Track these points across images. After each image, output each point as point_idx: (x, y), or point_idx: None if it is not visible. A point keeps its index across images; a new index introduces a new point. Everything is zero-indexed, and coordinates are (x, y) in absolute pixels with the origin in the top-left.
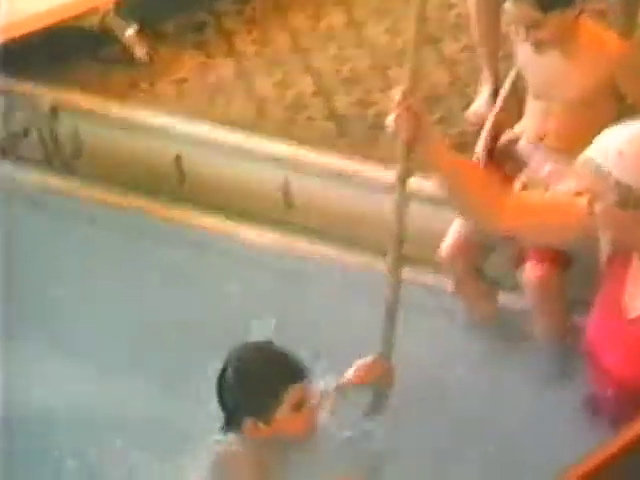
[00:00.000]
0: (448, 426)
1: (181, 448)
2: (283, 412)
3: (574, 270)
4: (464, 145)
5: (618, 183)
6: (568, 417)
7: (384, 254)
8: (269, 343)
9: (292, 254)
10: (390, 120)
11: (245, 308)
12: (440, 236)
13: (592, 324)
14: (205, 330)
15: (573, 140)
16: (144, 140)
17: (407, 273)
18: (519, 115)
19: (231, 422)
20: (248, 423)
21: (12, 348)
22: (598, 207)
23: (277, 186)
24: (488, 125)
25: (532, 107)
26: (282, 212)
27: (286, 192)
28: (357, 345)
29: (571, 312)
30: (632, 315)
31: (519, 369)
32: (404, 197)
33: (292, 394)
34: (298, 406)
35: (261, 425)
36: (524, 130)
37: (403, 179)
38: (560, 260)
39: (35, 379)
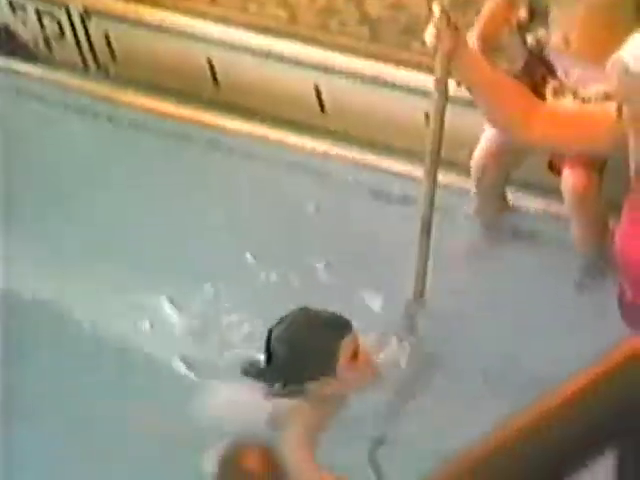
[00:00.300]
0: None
1: None
2: (343, 365)
3: (608, 176)
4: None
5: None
6: (602, 323)
7: (417, 159)
8: (305, 309)
9: (325, 158)
10: (430, 34)
11: (277, 212)
12: (474, 140)
13: (621, 231)
14: (236, 231)
15: (599, 45)
16: (177, 44)
17: (442, 178)
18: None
19: (290, 389)
20: (316, 384)
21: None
22: (626, 110)
23: (310, 91)
24: (484, 11)
25: (556, 13)
26: (315, 117)
27: (319, 97)
28: (388, 254)
29: (609, 217)
30: None
31: (553, 274)
32: (442, 106)
33: (345, 347)
34: (354, 355)
35: (330, 381)
36: (550, 36)
37: (443, 90)
38: (596, 165)
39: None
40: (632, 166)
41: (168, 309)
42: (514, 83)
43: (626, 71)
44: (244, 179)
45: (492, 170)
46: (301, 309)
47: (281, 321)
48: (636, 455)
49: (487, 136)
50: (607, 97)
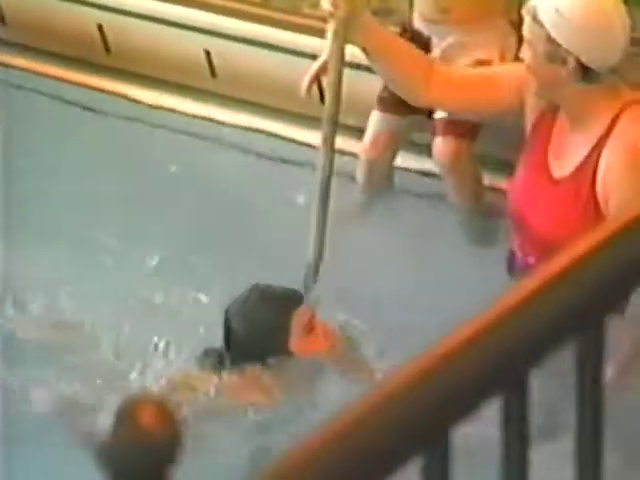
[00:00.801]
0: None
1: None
2: (296, 338)
3: (497, 133)
4: None
5: (549, 37)
6: (491, 279)
7: (311, 124)
8: (258, 286)
9: (216, 123)
10: (325, 0)
11: (183, 182)
12: (369, 102)
13: (516, 187)
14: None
15: (478, 8)
16: (68, 9)
17: (339, 143)
18: None
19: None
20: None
21: None
22: (529, 55)
23: (200, 55)
24: None
25: None
26: (206, 81)
27: (209, 61)
28: (286, 220)
29: (482, 180)
30: (557, 175)
31: (441, 235)
32: (339, 70)
33: (297, 320)
34: (310, 327)
35: (285, 356)
36: (419, 10)
37: (339, 54)
38: (468, 132)
39: None
40: (528, 122)
41: None
42: (411, 47)
43: (534, 17)
44: (128, 144)
45: (382, 154)
46: (254, 286)
47: (235, 300)
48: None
49: (374, 121)
50: (481, 64)
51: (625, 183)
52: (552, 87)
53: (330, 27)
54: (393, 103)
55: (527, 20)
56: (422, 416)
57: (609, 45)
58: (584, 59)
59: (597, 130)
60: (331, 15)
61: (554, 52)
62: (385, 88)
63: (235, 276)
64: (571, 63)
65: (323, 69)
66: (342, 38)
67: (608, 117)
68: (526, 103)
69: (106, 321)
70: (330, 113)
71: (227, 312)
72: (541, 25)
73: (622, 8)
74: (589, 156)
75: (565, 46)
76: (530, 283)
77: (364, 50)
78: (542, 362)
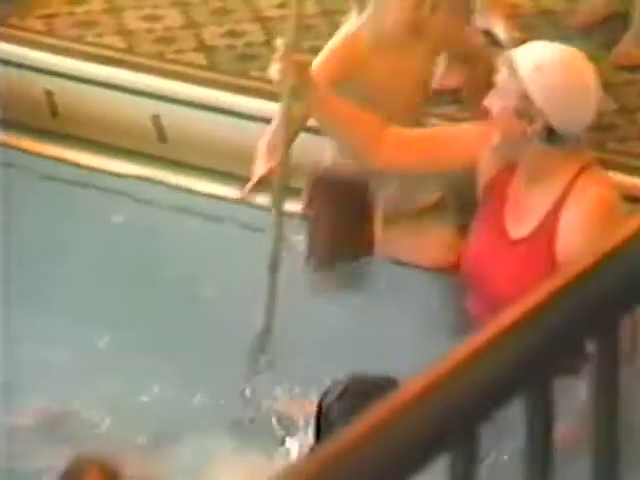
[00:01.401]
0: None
1: None
2: None
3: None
4: None
5: (524, 93)
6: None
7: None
8: (350, 378)
9: (166, 188)
10: (274, 70)
11: (128, 240)
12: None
13: (472, 247)
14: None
15: None
16: (14, 74)
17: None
18: None
19: None
20: None
21: None
22: (498, 106)
23: (149, 120)
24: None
25: None
26: (155, 146)
27: (158, 126)
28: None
29: None
30: (514, 236)
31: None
32: (289, 139)
33: None
34: None
35: None
36: None
37: (286, 121)
38: None
39: None
40: (481, 184)
41: None
42: (362, 112)
43: (512, 69)
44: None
45: None
46: (350, 376)
47: (330, 391)
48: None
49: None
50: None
51: (584, 243)
52: (514, 143)
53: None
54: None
55: (503, 71)
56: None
57: (581, 111)
58: (553, 122)
59: (556, 190)
60: (279, 84)
61: (525, 109)
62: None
63: (184, 346)
64: (538, 123)
65: (264, 180)
66: (288, 106)
67: (567, 178)
68: (479, 164)
69: None
70: (279, 178)
71: (323, 404)
72: (518, 79)
73: (596, 79)
74: (547, 217)
75: (538, 106)
76: (479, 338)
77: (314, 117)
78: (491, 417)
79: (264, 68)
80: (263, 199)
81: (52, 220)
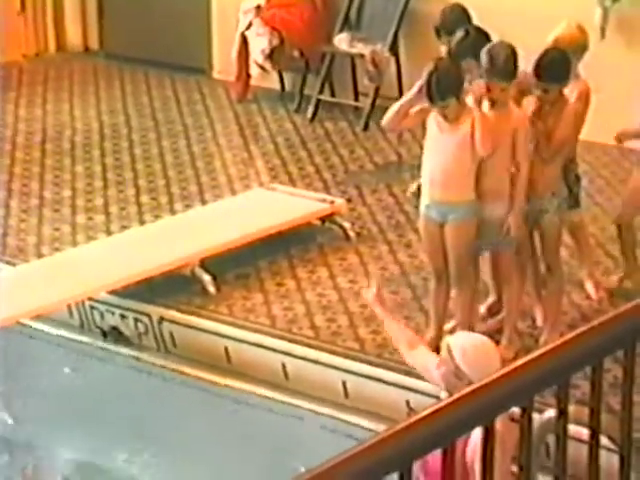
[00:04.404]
0: None
1: None
2: None
3: None
4: None
5: (457, 367)
6: None
7: None
8: None
9: None
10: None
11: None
12: None
13: None
14: None
15: None
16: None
17: None
18: None
19: None
20: None
21: None
22: (442, 369)
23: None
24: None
25: None
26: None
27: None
28: None
29: None
30: None
31: None
32: None
33: None
34: None
35: None
36: None
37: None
38: None
39: None
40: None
41: None
42: (405, 331)
43: (449, 351)
44: None
45: None
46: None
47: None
48: None
49: None
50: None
51: None
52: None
53: None
54: None
55: (443, 349)
56: None
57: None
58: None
59: None
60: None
61: (461, 374)
62: None
63: None
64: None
65: None
66: None
67: None
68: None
69: None
70: None
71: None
72: (453, 357)
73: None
74: None
75: (468, 373)
76: None
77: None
78: None
79: None
80: None
81: None
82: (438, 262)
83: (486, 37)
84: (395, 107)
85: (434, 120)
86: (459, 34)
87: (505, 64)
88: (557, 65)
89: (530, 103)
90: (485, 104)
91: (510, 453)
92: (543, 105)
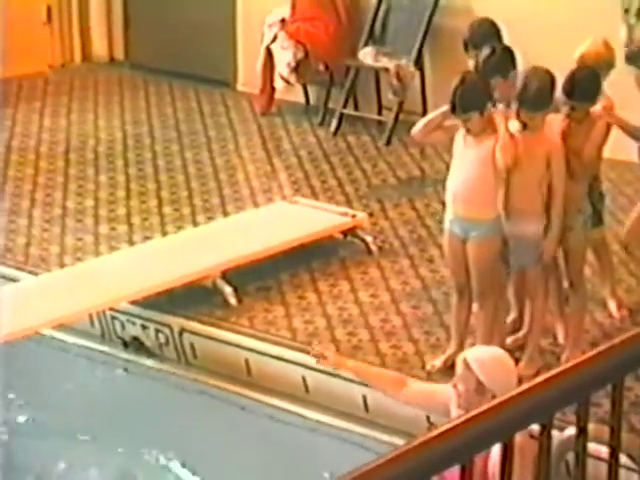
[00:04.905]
0: None
1: None
2: None
3: None
4: None
5: (478, 381)
6: None
7: None
8: None
9: None
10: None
11: None
12: None
13: None
14: None
15: None
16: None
17: None
18: None
19: None
20: None
21: None
22: (462, 387)
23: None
24: None
25: None
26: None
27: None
28: None
29: None
30: None
31: None
32: None
33: None
34: None
35: None
36: None
37: None
38: None
39: None
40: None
41: None
42: (384, 372)
43: (467, 366)
44: None
45: None
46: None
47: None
48: None
49: None
50: None
51: None
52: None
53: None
54: None
55: (461, 366)
56: None
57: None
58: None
59: None
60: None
61: (481, 389)
62: None
63: None
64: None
65: None
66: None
67: None
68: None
69: None
70: None
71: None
72: (473, 372)
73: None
74: None
75: (488, 385)
76: None
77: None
78: None
79: None
80: None
81: None
82: (460, 277)
83: (511, 55)
84: (426, 119)
85: (461, 136)
86: (485, 52)
87: (537, 94)
88: (588, 83)
89: (557, 121)
90: (514, 124)
91: (529, 469)
92: (571, 123)
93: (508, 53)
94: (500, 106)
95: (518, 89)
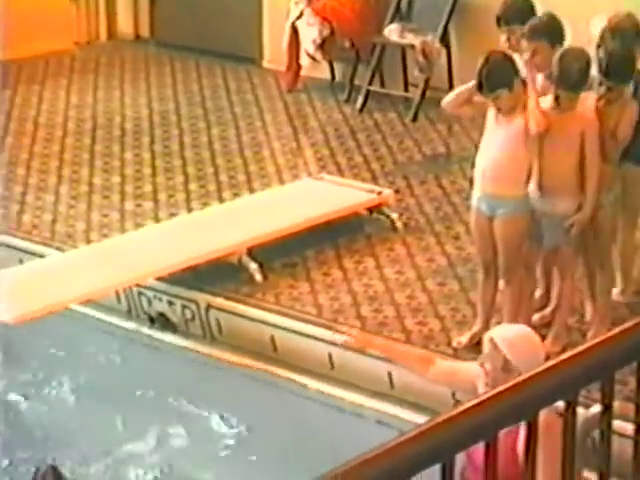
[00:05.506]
0: None
1: None
2: None
3: None
4: None
5: (505, 359)
6: None
7: None
8: None
9: None
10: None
11: None
12: None
13: None
14: None
15: None
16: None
17: None
18: None
19: None
20: None
21: None
22: (489, 365)
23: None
24: None
25: None
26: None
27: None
28: None
29: None
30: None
31: None
32: None
33: None
34: None
35: None
36: None
37: None
38: None
39: None
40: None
41: None
42: (412, 349)
43: (494, 346)
44: None
45: None
46: None
47: None
48: None
49: None
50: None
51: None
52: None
53: None
54: None
55: (487, 346)
56: None
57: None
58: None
59: None
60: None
61: (508, 367)
62: None
63: None
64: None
65: None
66: None
67: None
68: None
69: None
70: None
71: None
72: (500, 351)
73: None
74: None
75: (515, 363)
76: None
77: None
78: None
79: None
80: None
81: None
82: (487, 255)
83: (560, 25)
84: (457, 91)
85: (492, 114)
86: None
87: (577, 75)
88: (625, 64)
89: (590, 98)
90: (547, 100)
91: (556, 447)
92: (605, 103)
93: (557, 22)
94: (540, 77)
95: (555, 72)
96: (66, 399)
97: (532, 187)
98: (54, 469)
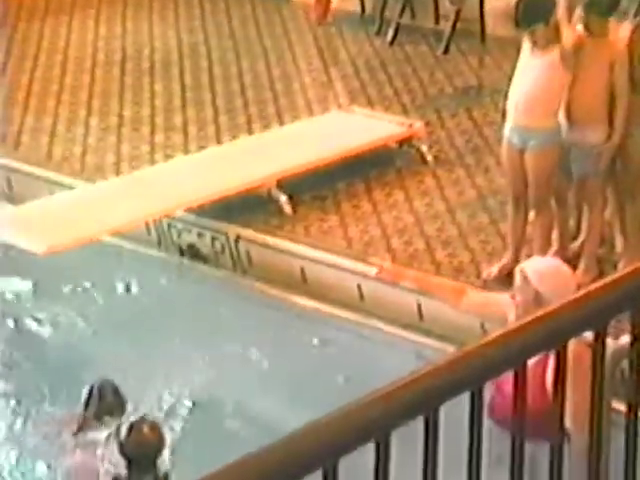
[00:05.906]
0: None
1: None
2: None
3: None
4: None
5: (537, 292)
6: None
7: None
8: None
9: None
10: None
11: None
12: None
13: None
14: None
15: None
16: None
17: None
18: None
19: None
20: None
21: None
22: (520, 298)
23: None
24: None
25: None
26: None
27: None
28: None
29: None
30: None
31: None
32: None
33: None
34: None
35: None
36: None
37: None
38: None
39: None
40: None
41: None
42: (445, 280)
43: (525, 278)
44: None
45: None
46: None
47: None
48: None
49: None
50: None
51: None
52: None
53: None
54: None
55: (518, 279)
56: None
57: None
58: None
59: None
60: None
61: (539, 299)
62: None
63: None
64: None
65: None
66: None
67: None
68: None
69: None
70: None
71: None
72: (530, 283)
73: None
74: None
75: (545, 296)
76: None
77: None
78: None
79: None
80: None
81: None
82: (518, 187)
83: None
84: None
85: (527, 48)
86: None
87: (606, 1)
88: None
89: (625, 30)
90: (579, 28)
91: (586, 377)
92: (637, 32)
93: None
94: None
95: None
96: (97, 329)
97: (561, 117)
98: (109, 382)
